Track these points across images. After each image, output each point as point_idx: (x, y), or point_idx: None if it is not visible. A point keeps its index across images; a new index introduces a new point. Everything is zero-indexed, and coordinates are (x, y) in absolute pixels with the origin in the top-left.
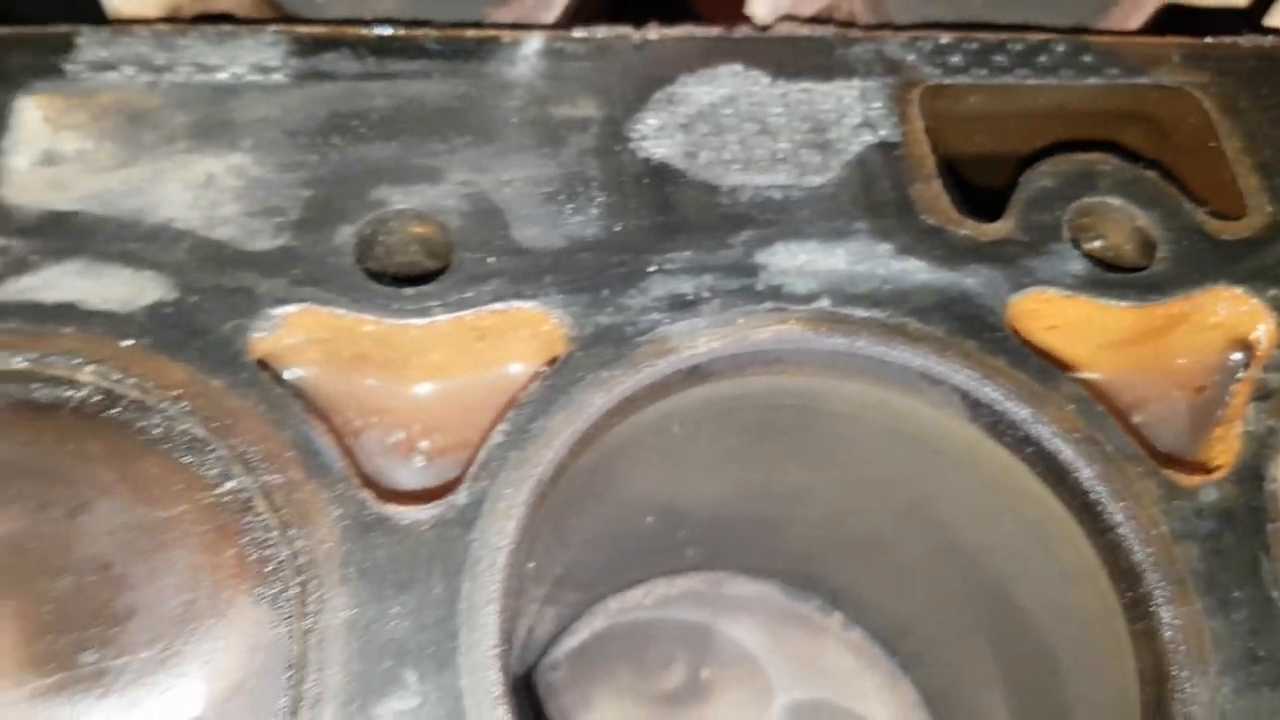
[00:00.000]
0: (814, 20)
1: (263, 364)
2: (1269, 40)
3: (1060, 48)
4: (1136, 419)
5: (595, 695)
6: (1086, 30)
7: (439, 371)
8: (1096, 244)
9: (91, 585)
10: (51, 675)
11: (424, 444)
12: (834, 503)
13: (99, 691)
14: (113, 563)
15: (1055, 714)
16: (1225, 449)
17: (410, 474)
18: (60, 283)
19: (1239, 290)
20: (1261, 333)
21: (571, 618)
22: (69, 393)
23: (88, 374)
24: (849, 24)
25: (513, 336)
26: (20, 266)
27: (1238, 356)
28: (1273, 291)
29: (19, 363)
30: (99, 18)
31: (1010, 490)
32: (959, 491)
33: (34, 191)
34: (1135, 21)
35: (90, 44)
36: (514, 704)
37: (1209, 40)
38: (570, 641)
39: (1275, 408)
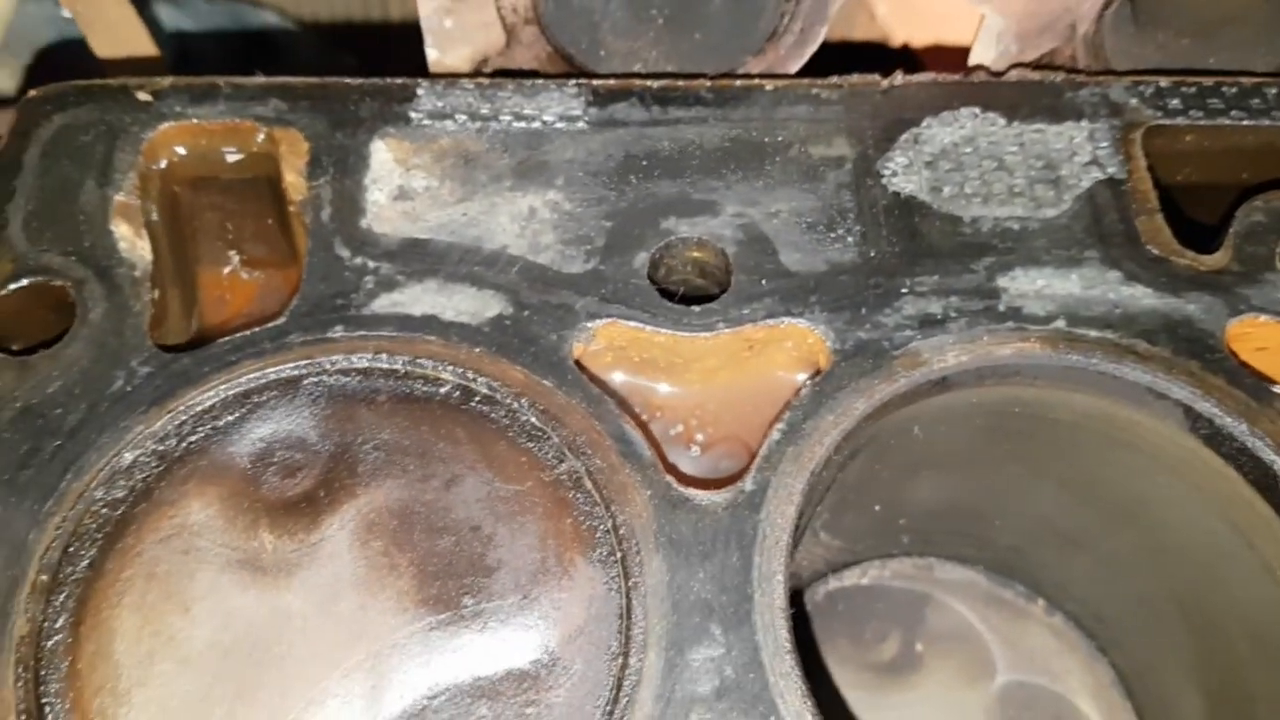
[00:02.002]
0: (1040, 66)
1: (581, 368)
2: None
3: (1272, 91)
4: None
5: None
6: None
7: (711, 376)
8: None
9: (467, 543)
10: (442, 613)
11: (699, 436)
12: (1045, 501)
13: (478, 628)
14: (481, 525)
15: (1241, 704)
16: None
17: (688, 462)
18: (422, 298)
19: None
20: None
21: (793, 594)
22: (435, 389)
23: (448, 374)
24: (1072, 70)
25: (776, 348)
26: (390, 284)
27: None
28: None
29: (398, 364)
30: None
31: (1220, 495)
32: (1171, 495)
33: (394, 221)
34: None
35: (429, 95)
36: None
37: None
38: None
39: None
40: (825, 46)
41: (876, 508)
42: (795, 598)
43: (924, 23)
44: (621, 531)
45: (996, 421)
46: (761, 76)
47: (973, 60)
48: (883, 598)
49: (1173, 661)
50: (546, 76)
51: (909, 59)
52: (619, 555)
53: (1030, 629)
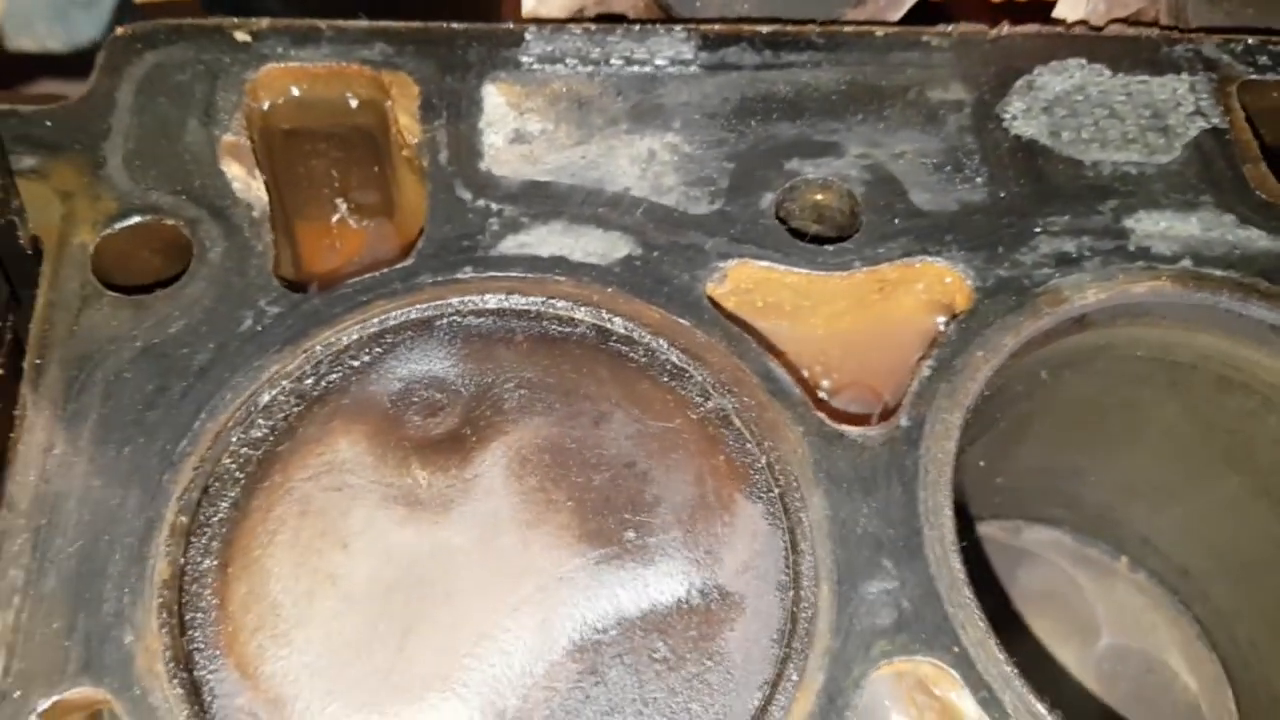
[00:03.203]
0: (1134, 22)
1: (717, 307)
2: None
3: None
4: None
5: None
6: None
7: (837, 320)
8: None
9: (623, 478)
10: (606, 547)
11: (825, 382)
12: (1145, 452)
13: (644, 560)
14: (635, 461)
15: None
16: None
17: None
18: (550, 240)
19: None
20: None
21: None
22: (571, 329)
23: (583, 314)
24: (1164, 27)
25: (906, 290)
26: (515, 226)
27: None
28: None
29: (532, 304)
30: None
31: None
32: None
33: (513, 164)
34: None
35: (537, 39)
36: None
37: None
38: None
39: None
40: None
41: (981, 463)
42: None
43: None
44: (778, 467)
45: (1118, 365)
46: (868, 23)
47: (1059, 14)
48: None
49: (1262, 608)
50: (651, 22)
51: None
52: (778, 490)
53: (1117, 586)
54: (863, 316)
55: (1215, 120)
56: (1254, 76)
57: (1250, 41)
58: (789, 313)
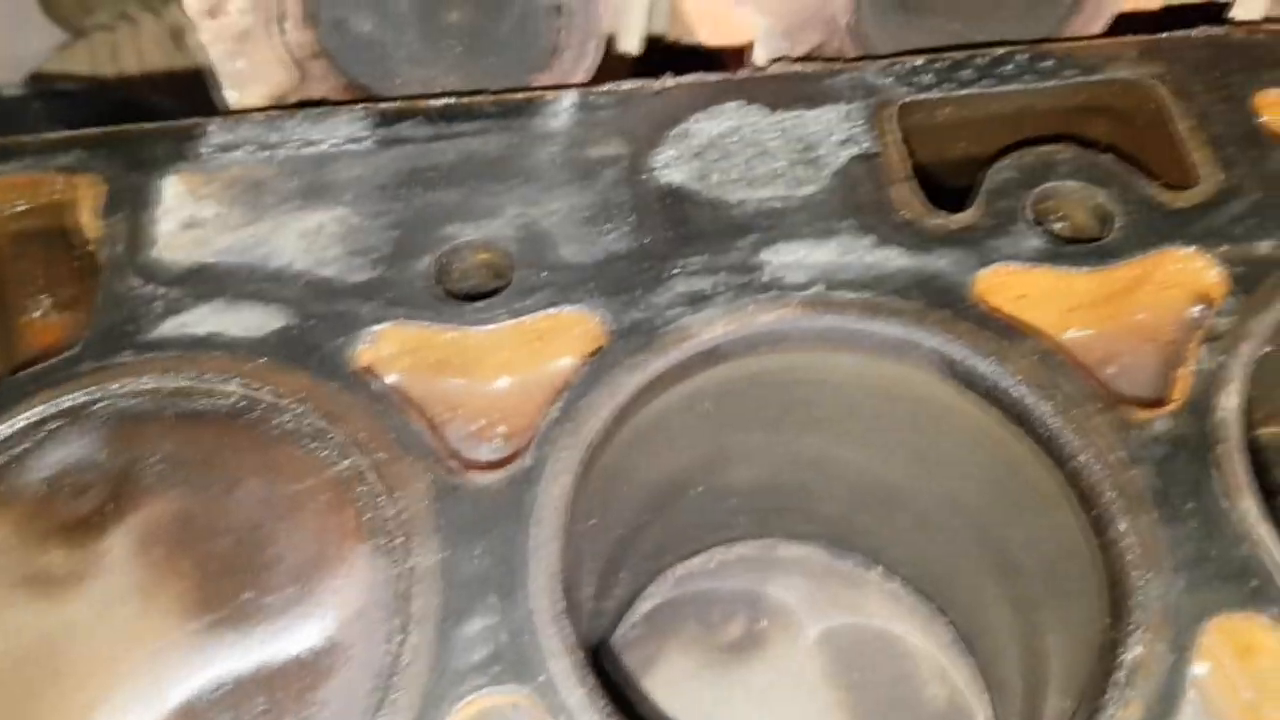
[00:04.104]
0: (805, 59)
1: (367, 371)
2: (1220, 29)
3: (1021, 57)
4: (1109, 370)
5: (667, 647)
6: (1052, 40)
7: (507, 368)
8: (1062, 224)
9: (246, 542)
10: (221, 609)
11: (501, 429)
12: (853, 465)
13: (259, 618)
14: (262, 524)
15: (1037, 643)
16: (1180, 388)
17: (490, 453)
18: (209, 318)
19: (1191, 250)
20: (1215, 286)
21: (644, 584)
22: (220, 401)
23: (233, 386)
24: (832, 59)
25: (565, 335)
26: (176, 308)
27: (1199, 309)
28: (1224, 248)
29: (181, 382)
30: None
31: (986, 437)
32: (945, 443)
33: (185, 249)
34: (1096, 27)
35: (217, 131)
36: (573, 623)
37: (1163, 35)
38: (645, 605)
39: (1224, 347)
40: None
41: (700, 489)
42: (644, 585)
43: (716, 26)
44: (402, 518)
45: (780, 392)
46: (546, 88)
47: (754, 59)
48: (728, 578)
49: (995, 612)
50: (346, 103)
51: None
52: (399, 540)
53: (869, 596)
54: (531, 364)
55: (866, 145)
56: (917, 97)
57: (917, 62)
58: (459, 367)
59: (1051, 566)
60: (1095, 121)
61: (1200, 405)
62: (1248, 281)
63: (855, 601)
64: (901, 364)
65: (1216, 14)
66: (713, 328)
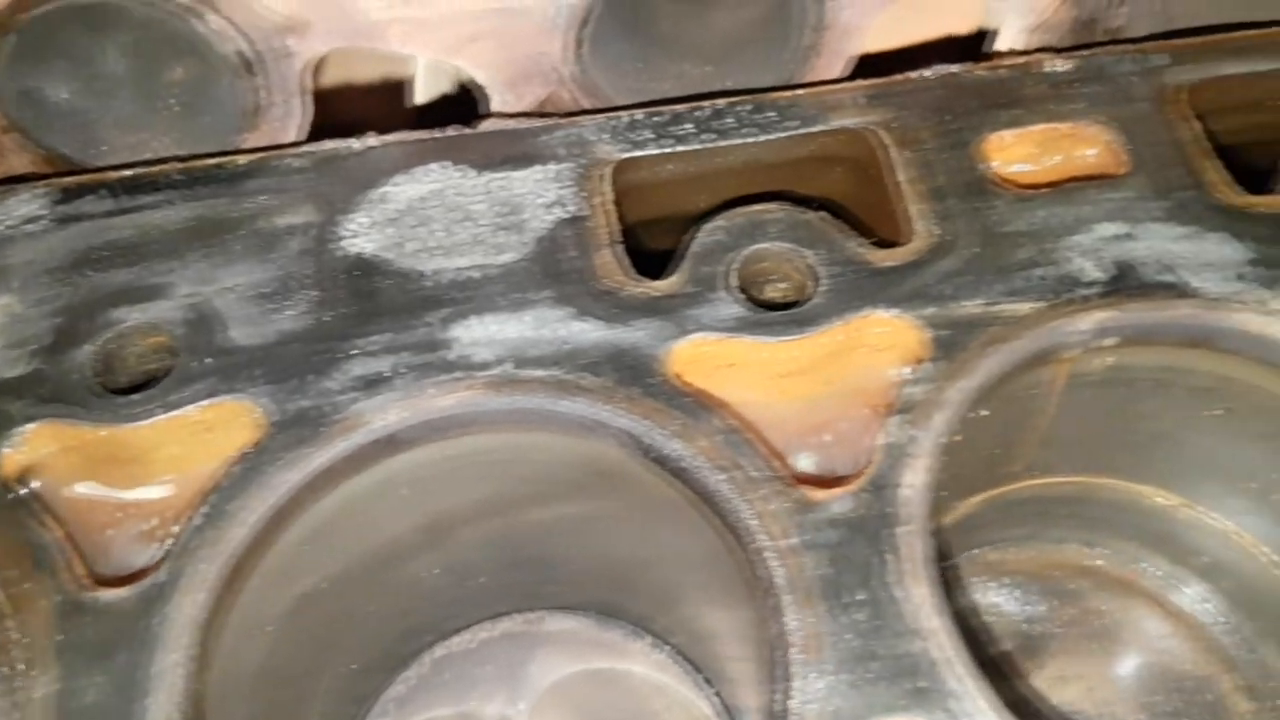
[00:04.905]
0: (523, 114)
1: (14, 477)
2: (955, 67)
3: (743, 109)
4: (826, 438)
5: None
6: (793, 86)
7: (175, 466)
8: (782, 286)
9: None
10: None
11: (175, 528)
12: (585, 533)
13: None
14: None
15: None
16: (871, 461)
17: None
18: None
19: (893, 312)
20: (922, 349)
21: (397, 668)
22: None
23: None
24: (548, 114)
25: (231, 427)
26: None
27: (906, 372)
28: (928, 310)
29: None
30: None
31: (683, 514)
32: (654, 517)
33: None
34: (837, 70)
35: None
36: None
37: (896, 78)
38: (399, 689)
39: (915, 419)
40: None
41: (436, 571)
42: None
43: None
44: (24, 643)
45: (484, 471)
46: (242, 151)
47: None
48: (490, 659)
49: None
50: (27, 179)
51: None
52: (19, 668)
53: (634, 669)
54: (205, 458)
55: (574, 208)
56: (633, 155)
57: (637, 116)
58: (125, 465)
59: (737, 649)
60: (831, 172)
61: (883, 482)
62: (950, 345)
63: (614, 675)
64: (595, 442)
65: (974, 49)
66: (385, 414)
